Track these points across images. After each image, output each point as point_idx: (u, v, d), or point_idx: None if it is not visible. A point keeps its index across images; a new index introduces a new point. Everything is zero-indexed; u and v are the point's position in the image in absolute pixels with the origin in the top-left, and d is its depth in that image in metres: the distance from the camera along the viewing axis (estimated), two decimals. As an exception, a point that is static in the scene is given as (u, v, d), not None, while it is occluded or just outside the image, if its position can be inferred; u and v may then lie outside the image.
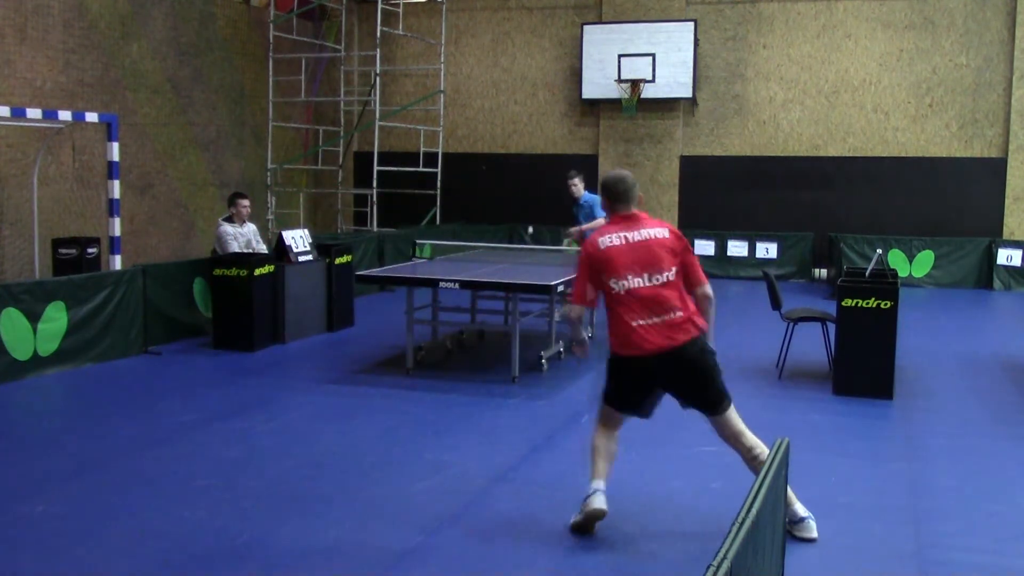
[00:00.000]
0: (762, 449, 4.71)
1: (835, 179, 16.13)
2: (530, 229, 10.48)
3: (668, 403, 7.64)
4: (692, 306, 4.72)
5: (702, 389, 4.74)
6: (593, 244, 4.79)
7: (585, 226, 10.56)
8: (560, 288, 8.23)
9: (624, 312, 4.69)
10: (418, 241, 10.65)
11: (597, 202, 10.70)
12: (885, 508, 5.28)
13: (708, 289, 4.85)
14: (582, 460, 6.07)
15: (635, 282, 4.67)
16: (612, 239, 4.74)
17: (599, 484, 4.85)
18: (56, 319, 8.37)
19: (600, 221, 10.62)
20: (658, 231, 4.76)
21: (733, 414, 4.79)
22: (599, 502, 4.78)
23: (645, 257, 4.68)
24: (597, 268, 4.75)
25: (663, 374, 4.73)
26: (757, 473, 4.15)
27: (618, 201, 4.84)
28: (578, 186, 10.66)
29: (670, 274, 4.67)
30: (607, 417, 5.00)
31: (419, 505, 5.24)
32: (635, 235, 4.74)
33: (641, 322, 4.66)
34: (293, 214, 16.77)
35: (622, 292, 4.68)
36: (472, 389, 7.91)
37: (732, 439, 4.80)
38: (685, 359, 4.66)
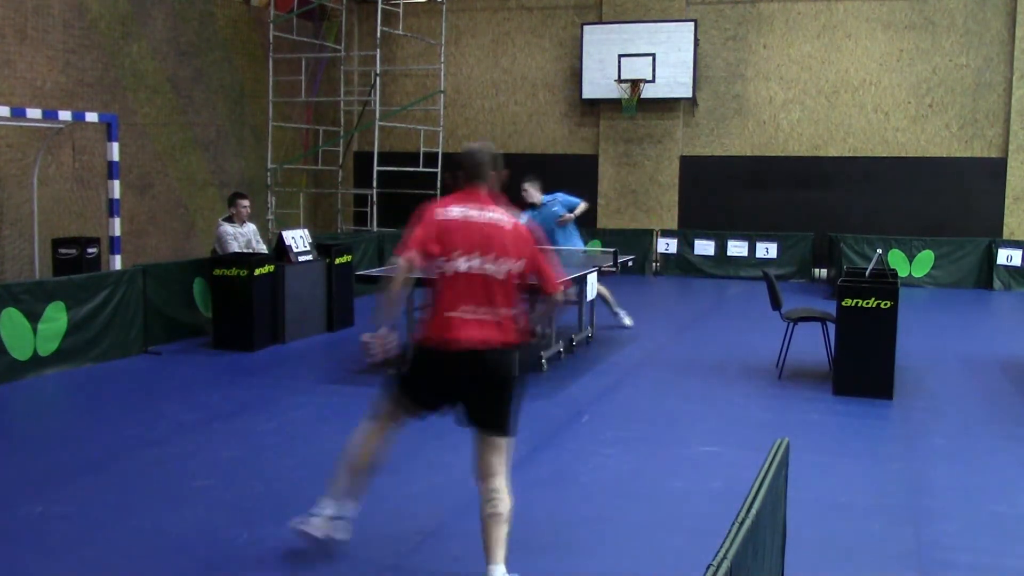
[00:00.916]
0: (504, 505, 4.12)
1: (835, 179, 16.13)
2: None
3: (668, 403, 7.66)
4: (515, 318, 4.22)
5: (497, 403, 4.19)
6: (432, 212, 4.20)
7: (578, 211, 10.47)
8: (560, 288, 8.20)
9: (446, 295, 4.12)
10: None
11: (564, 196, 10.64)
12: (885, 508, 5.28)
13: (559, 298, 4.57)
14: (582, 460, 6.08)
15: (465, 264, 4.10)
16: (452, 211, 4.17)
17: (347, 508, 4.38)
18: (56, 319, 8.37)
19: (585, 205, 10.56)
20: (504, 218, 4.22)
21: (507, 449, 4.27)
22: (343, 532, 4.37)
23: (482, 240, 4.12)
24: (431, 238, 4.12)
25: (467, 373, 4.14)
26: (486, 525, 4.05)
27: (467, 176, 4.26)
28: (531, 191, 10.52)
29: (507, 267, 4.14)
30: (390, 413, 4.40)
31: (419, 505, 5.24)
32: (477, 214, 4.18)
33: (461, 312, 4.09)
34: (293, 214, 16.77)
35: (449, 272, 4.11)
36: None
37: (486, 471, 4.19)
38: (494, 364, 4.12)
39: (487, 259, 4.12)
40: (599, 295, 10.29)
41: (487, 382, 4.16)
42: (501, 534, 4.09)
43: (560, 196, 10.68)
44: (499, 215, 4.23)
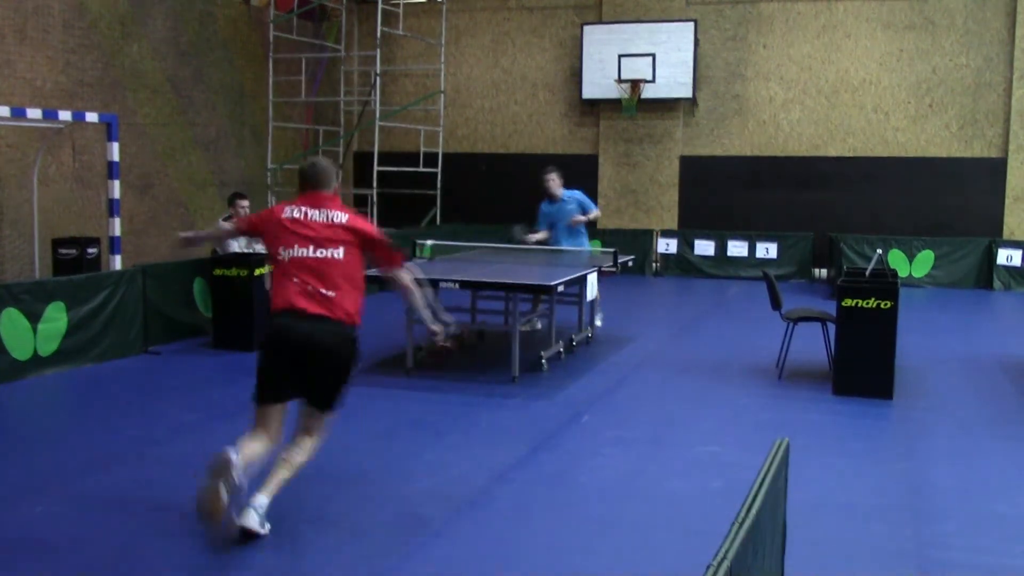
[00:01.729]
0: (303, 457, 4.78)
1: (835, 179, 16.13)
2: (535, 236, 10.47)
3: (668, 403, 7.66)
4: (352, 299, 4.77)
5: (326, 377, 4.74)
6: (279, 210, 4.90)
7: (591, 216, 10.50)
8: (560, 288, 8.22)
9: (284, 276, 4.75)
10: (418, 241, 10.63)
11: (583, 195, 10.68)
12: (885, 508, 5.28)
13: (404, 274, 5.01)
14: (582, 460, 6.08)
15: (300, 251, 4.73)
16: (294, 211, 4.84)
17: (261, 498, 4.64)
18: (56, 319, 8.37)
19: (598, 213, 10.59)
20: (339, 214, 4.83)
21: (329, 421, 4.90)
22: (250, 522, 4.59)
23: (317, 233, 4.76)
24: (273, 232, 4.83)
25: (300, 346, 4.64)
26: (276, 461, 4.67)
27: (308, 186, 4.91)
28: (555, 181, 10.60)
29: (338, 252, 4.73)
30: (257, 418, 4.79)
31: (419, 505, 5.24)
32: (315, 212, 4.82)
33: (297, 281, 4.70)
34: (293, 214, 16.73)
35: (287, 259, 4.75)
36: (472, 389, 7.91)
37: (303, 434, 4.83)
38: (321, 337, 4.65)
39: (319, 246, 4.74)
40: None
41: (318, 357, 4.68)
42: (282, 476, 4.72)
43: (578, 195, 10.71)
44: (334, 212, 4.84)
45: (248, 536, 4.59)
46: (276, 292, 4.79)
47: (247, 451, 4.60)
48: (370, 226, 4.97)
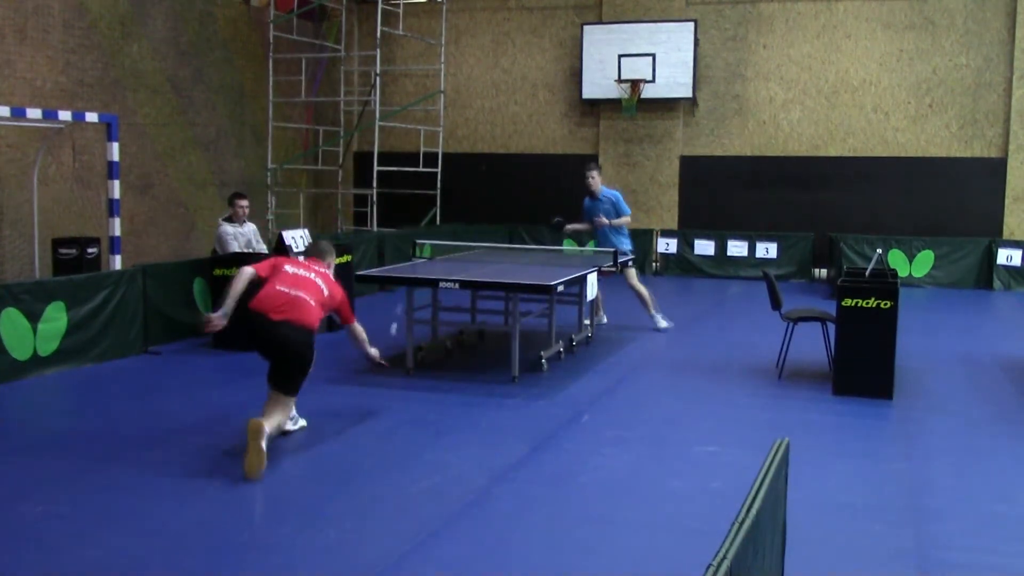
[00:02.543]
0: (274, 426, 5.92)
1: (835, 179, 16.13)
2: (556, 219, 10.84)
3: (668, 403, 7.66)
4: (312, 323, 6.20)
5: (283, 364, 6.10)
6: (283, 262, 6.48)
7: (616, 221, 10.57)
8: (560, 288, 8.23)
9: (265, 297, 6.18)
10: (418, 241, 10.64)
11: (620, 197, 10.75)
12: (885, 508, 5.28)
13: (356, 327, 6.64)
14: (582, 460, 6.08)
15: (284, 290, 6.21)
16: (296, 269, 6.41)
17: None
18: (56, 319, 8.37)
19: (627, 219, 10.70)
20: (321, 282, 6.39)
21: (285, 403, 6.12)
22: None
23: (302, 285, 6.27)
24: (275, 273, 6.32)
25: (268, 335, 6.08)
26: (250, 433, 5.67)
27: (312, 255, 6.71)
28: (596, 179, 10.72)
29: (311, 300, 6.24)
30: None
31: (419, 505, 5.24)
32: (308, 273, 6.40)
33: (273, 307, 6.12)
34: (293, 214, 16.77)
35: (273, 290, 6.21)
36: (472, 389, 7.91)
37: (268, 409, 6.03)
38: (283, 333, 6.04)
39: (299, 292, 6.24)
40: (637, 293, 10.62)
41: (279, 346, 6.10)
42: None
43: (614, 196, 10.80)
44: (320, 280, 6.40)
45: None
46: (259, 297, 6.21)
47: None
48: (339, 293, 6.50)
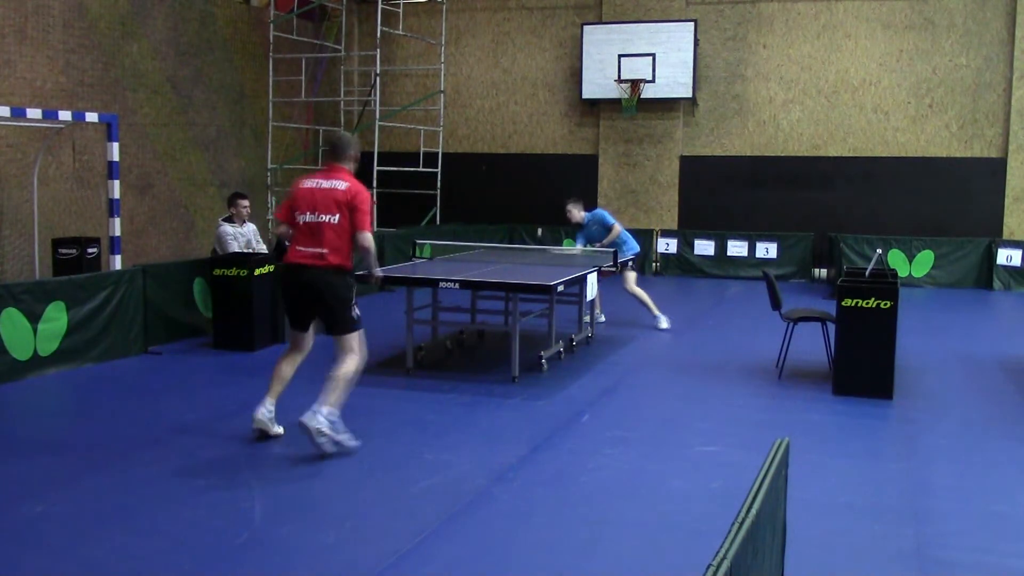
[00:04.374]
0: (343, 371, 6.07)
1: (835, 179, 16.14)
2: (539, 231, 11.11)
3: (668, 403, 7.67)
4: (341, 250, 6.07)
5: (326, 309, 6.13)
6: (299, 182, 6.26)
7: (608, 239, 10.75)
8: (560, 288, 8.23)
9: (295, 237, 6.18)
10: (418, 241, 10.64)
11: (603, 214, 10.93)
12: (885, 508, 5.28)
13: (364, 237, 6.06)
14: (582, 460, 6.08)
15: (306, 217, 6.10)
16: (309, 182, 6.20)
17: (267, 402, 6.30)
18: (56, 319, 8.37)
19: (617, 230, 10.86)
20: (339, 183, 6.09)
21: (349, 341, 6.16)
22: (257, 413, 6.30)
23: (320, 201, 6.07)
24: (295, 201, 6.19)
25: (301, 285, 6.12)
26: (326, 380, 6.00)
27: (329, 154, 6.35)
28: (573, 212, 10.97)
29: (332, 218, 6.04)
30: (290, 339, 6.45)
31: (419, 505, 5.24)
32: (324, 183, 6.13)
33: (299, 247, 6.13)
34: (293, 214, 16.74)
35: (300, 223, 6.14)
36: (472, 389, 7.91)
37: (337, 355, 6.17)
38: (313, 278, 6.05)
39: (319, 212, 6.07)
40: (637, 297, 10.81)
41: (313, 293, 6.11)
42: (330, 388, 6.03)
43: (598, 215, 11.04)
44: (338, 182, 6.11)
45: (316, 433, 5.87)
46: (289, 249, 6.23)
47: (279, 375, 6.33)
48: (353, 197, 6.07)
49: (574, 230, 11.49)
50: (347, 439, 6.07)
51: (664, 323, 10.83)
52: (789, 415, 7.25)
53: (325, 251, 6.05)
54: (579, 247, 11.14)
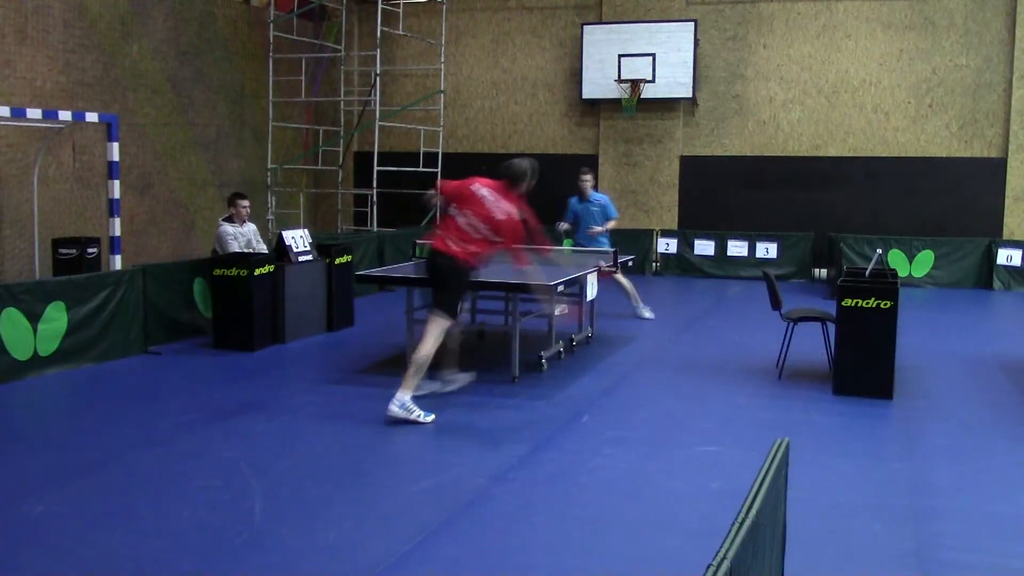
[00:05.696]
0: (423, 354, 6.82)
1: (835, 179, 16.13)
2: (563, 225, 11.45)
3: (668, 403, 7.67)
4: (474, 251, 6.98)
5: (438, 287, 7.07)
6: (472, 183, 7.05)
7: (606, 226, 10.95)
8: (560, 288, 8.22)
9: (444, 227, 7.08)
10: (418, 241, 10.64)
11: (609, 201, 11.16)
12: (885, 508, 5.28)
13: (522, 253, 7.22)
14: (582, 460, 6.09)
15: (460, 220, 6.97)
16: (483, 192, 7.01)
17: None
18: (56, 319, 8.37)
19: (614, 222, 11.04)
20: (507, 208, 6.94)
21: (439, 320, 6.94)
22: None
23: (482, 214, 6.92)
24: (458, 195, 7.06)
25: (433, 266, 7.10)
26: (410, 364, 6.84)
27: (510, 182, 7.11)
28: (586, 183, 11.21)
29: (486, 231, 6.91)
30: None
31: (419, 505, 5.24)
32: (494, 200, 6.94)
33: (444, 236, 7.01)
34: (293, 214, 16.77)
35: (453, 216, 7.02)
36: (472, 389, 7.91)
37: (425, 334, 6.95)
38: (439, 262, 7.00)
39: (475, 221, 6.96)
40: (624, 290, 11.14)
41: (435, 273, 7.08)
42: (411, 371, 6.85)
43: (604, 200, 11.34)
44: (505, 205, 6.97)
45: (396, 421, 6.71)
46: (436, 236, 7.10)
47: (417, 358, 6.92)
48: (514, 228, 6.97)
49: (565, 217, 11.44)
50: (420, 416, 6.81)
51: (646, 312, 11.25)
52: (789, 415, 7.25)
53: (458, 249, 6.96)
54: (565, 225, 11.37)
